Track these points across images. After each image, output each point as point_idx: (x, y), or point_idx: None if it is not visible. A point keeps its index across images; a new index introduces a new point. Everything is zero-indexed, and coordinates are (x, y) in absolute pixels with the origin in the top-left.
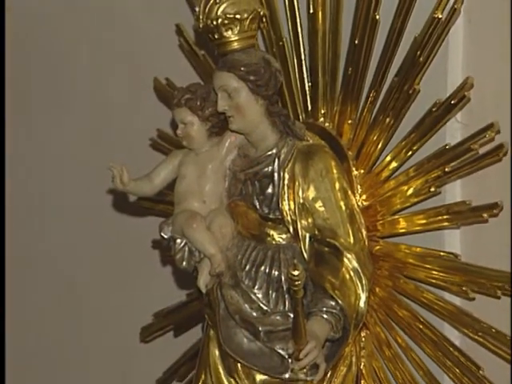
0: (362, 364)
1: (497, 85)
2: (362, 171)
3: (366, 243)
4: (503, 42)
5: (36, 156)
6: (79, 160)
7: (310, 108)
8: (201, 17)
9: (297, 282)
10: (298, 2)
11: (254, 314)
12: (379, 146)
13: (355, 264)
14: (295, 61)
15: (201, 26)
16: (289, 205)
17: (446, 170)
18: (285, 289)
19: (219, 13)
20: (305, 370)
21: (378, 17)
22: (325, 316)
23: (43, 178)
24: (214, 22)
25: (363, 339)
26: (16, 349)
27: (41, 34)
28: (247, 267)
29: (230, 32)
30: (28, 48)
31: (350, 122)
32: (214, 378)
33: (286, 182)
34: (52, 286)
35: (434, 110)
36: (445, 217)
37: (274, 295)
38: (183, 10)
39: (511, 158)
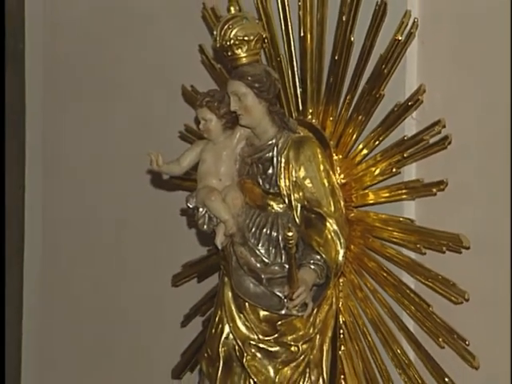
0: (340, 303)
1: (443, 90)
2: (341, 156)
3: (344, 211)
4: (447, 58)
5: (92, 143)
6: (126, 148)
7: (301, 108)
8: (218, 39)
9: (291, 241)
10: (291, 28)
11: (258, 265)
12: (354, 137)
13: (335, 227)
14: (289, 72)
15: (218, 45)
16: (285, 182)
17: (405, 155)
18: (281, 246)
19: (232, 36)
20: (297, 308)
21: (352, 38)
22: (312, 267)
23: (96, 162)
24: (228, 43)
25: (341, 284)
26: (63, 293)
27: (93, 50)
28: (253, 229)
29: (240, 50)
30: (80, 60)
31: (331, 118)
32: (228, 313)
33: (282, 164)
34: (101, 246)
35: (395, 109)
36: (403, 191)
37: (273, 251)
38: (204, 33)
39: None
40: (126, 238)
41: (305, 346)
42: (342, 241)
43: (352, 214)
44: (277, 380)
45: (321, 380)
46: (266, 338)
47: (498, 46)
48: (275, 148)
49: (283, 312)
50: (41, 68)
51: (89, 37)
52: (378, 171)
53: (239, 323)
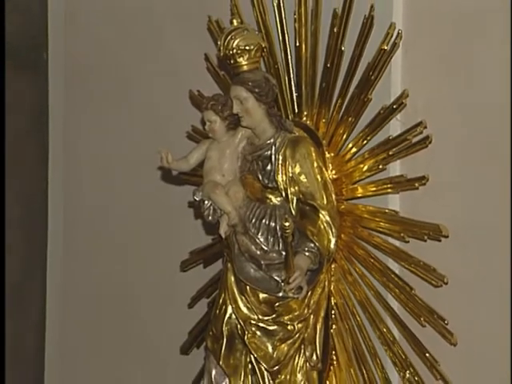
0: (332, 286)
1: (425, 95)
2: (332, 154)
3: (335, 204)
4: (428, 66)
5: (108, 143)
6: (139, 147)
7: (296, 110)
8: (221, 48)
9: (287, 231)
10: (288, 38)
11: (258, 252)
12: (344, 136)
13: (327, 218)
14: (286, 78)
15: (221, 54)
16: (282, 177)
17: (390, 153)
18: (279, 235)
19: (234, 45)
20: (293, 290)
21: (343, 48)
22: (307, 254)
23: (111, 160)
24: (231, 52)
25: (333, 269)
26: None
27: (107, 59)
28: (253, 220)
29: (241, 59)
30: (98, 67)
31: (324, 120)
32: (231, 295)
33: (280, 161)
34: (117, 235)
35: (381, 112)
36: (388, 185)
37: (271, 239)
38: (210, 43)
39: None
40: (139, 228)
41: (300, 325)
42: (333, 230)
43: (342, 206)
44: (275, 356)
45: (314, 355)
46: (265, 318)
47: (475, 54)
48: (273, 147)
49: (280, 294)
50: (62, 75)
51: (106, 47)
52: (365, 167)
53: (241, 304)
